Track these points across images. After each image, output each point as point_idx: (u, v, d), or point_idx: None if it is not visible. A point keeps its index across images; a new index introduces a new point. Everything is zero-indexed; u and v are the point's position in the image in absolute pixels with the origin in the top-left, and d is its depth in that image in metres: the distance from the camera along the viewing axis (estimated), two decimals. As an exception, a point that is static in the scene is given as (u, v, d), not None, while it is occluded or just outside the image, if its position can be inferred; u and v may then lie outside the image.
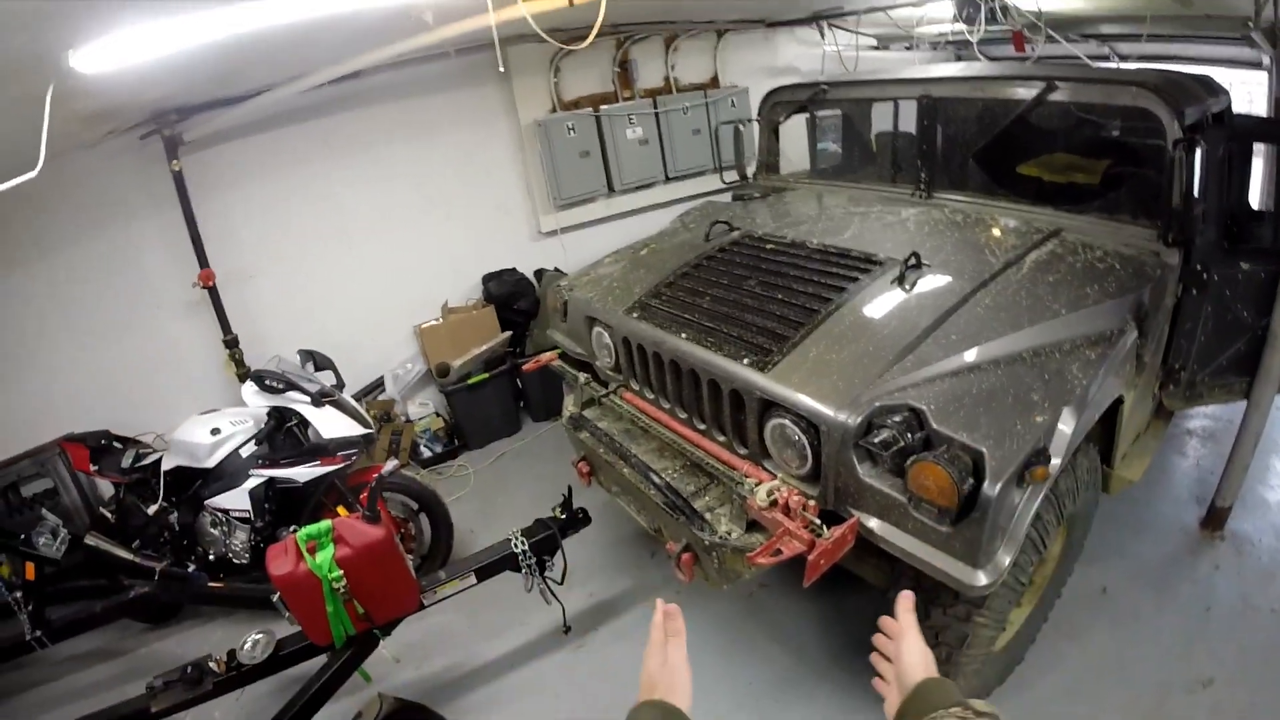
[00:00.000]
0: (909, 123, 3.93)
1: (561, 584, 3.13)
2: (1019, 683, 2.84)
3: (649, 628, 1.13)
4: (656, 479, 2.61)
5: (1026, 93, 3.18)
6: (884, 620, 1.18)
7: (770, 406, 2.34)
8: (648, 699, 1.02)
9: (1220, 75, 4.29)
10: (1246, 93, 5.71)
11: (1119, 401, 2.55)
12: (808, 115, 4.54)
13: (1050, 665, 2.90)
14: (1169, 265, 2.81)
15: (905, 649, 1.08)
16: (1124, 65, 5.51)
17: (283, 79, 3.84)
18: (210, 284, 4.21)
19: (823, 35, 6.24)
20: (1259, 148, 4.13)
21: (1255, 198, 4.48)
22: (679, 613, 1.14)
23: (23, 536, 3.35)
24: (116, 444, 3.93)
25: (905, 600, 1.16)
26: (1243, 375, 3.22)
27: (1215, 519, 3.55)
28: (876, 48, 6.94)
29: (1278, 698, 2.70)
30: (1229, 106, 3.71)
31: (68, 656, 3.72)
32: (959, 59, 6.71)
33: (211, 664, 2.68)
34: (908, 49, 7.03)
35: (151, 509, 3.53)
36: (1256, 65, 5.50)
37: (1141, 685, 2.81)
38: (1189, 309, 2.97)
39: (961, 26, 5.41)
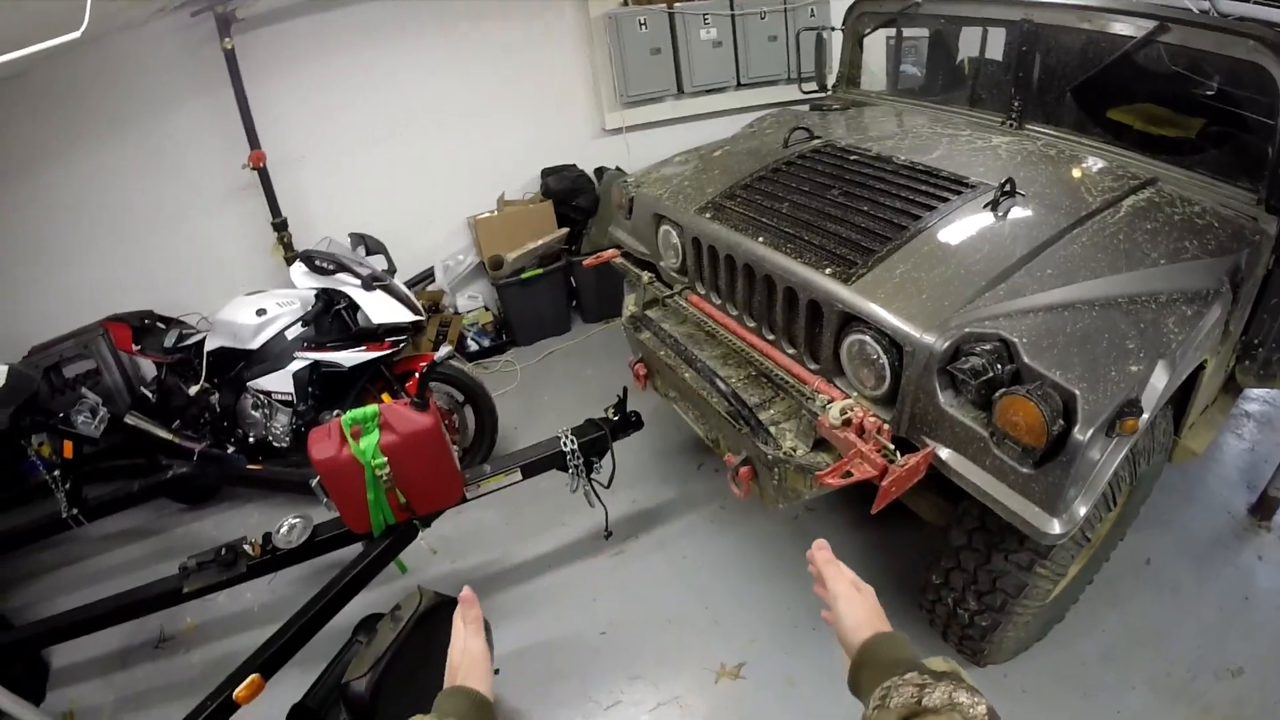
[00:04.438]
0: (996, 50, 3.73)
1: (608, 488, 3.05)
2: (1057, 640, 2.80)
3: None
4: (722, 385, 2.51)
5: (1135, 30, 2.98)
6: (812, 561, 1.14)
7: (850, 321, 2.23)
8: (452, 685, 1.06)
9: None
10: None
11: (1200, 366, 2.44)
12: (893, 31, 4.29)
13: (1088, 628, 2.86)
14: (1266, 233, 2.66)
15: (842, 608, 1.03)
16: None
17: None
18: (260, 165, 4.12)
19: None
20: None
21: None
22: (475, 601, 1.17)
23: (61, 415, 3.33)
24: (160, 324, 3.89)
25: (822, 550, 1.12)
26: (1320, 363, 3.07)
27: (1265, 507, 3.45)
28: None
29: (1303, 700, 2.64)
30: (1339, 78, 3.51)
31: (103, 535, 3.75)
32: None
33: (246, 547, 2.66)
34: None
35: (193, 390, 3.49)
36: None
37: (1173, 662, 2.76)
38: (1277, 283, 2.84)
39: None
